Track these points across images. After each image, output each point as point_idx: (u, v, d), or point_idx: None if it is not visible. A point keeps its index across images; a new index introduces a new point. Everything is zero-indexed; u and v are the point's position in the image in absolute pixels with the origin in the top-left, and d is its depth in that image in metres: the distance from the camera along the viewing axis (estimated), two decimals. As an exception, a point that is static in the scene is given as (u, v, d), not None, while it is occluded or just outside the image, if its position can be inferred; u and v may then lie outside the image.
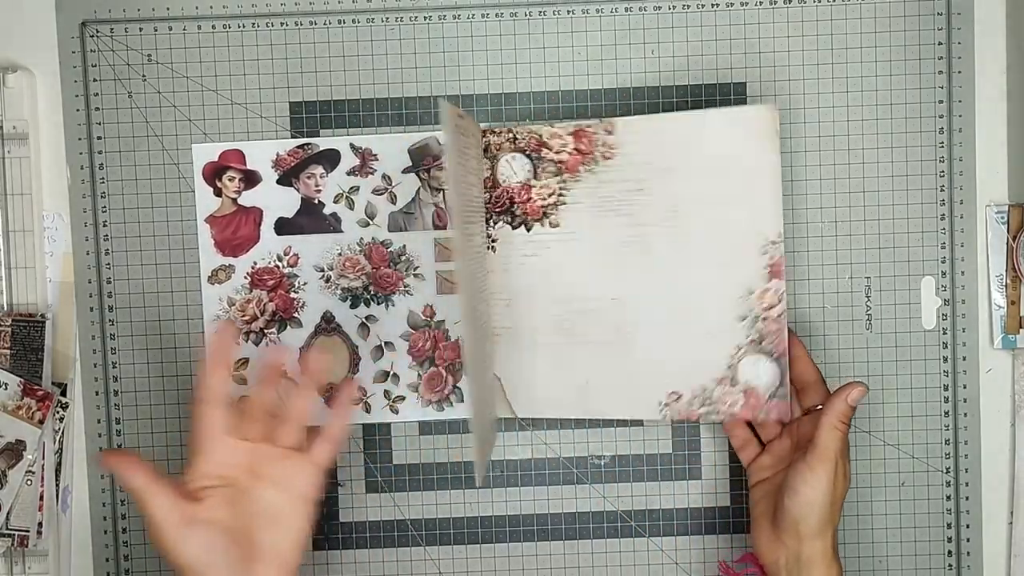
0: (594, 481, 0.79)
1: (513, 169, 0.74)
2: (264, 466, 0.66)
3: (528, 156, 0.74)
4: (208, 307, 0.78)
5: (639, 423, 0.79)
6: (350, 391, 0.72)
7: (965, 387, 0.78)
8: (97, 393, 0.79)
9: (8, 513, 0.76)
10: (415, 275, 0.77)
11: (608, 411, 0.75)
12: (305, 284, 0.78)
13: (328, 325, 0.78)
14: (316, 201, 0.77)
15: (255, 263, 0.78)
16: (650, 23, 0.78)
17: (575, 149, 0.73)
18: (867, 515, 0.79)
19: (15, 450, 0.75)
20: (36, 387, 0.76)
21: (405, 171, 0.77)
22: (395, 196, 0.77)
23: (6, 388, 0.75)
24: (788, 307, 0.78)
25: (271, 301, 0.77)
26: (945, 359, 0.78)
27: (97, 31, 0.78)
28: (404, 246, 0.77)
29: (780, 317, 0.72)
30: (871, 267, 0.78)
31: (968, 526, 0.79)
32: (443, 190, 0.77)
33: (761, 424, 0.75)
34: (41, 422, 0.75)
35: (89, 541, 0.79)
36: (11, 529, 0.76)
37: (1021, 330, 0.78)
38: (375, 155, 0.77)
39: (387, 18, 0.78)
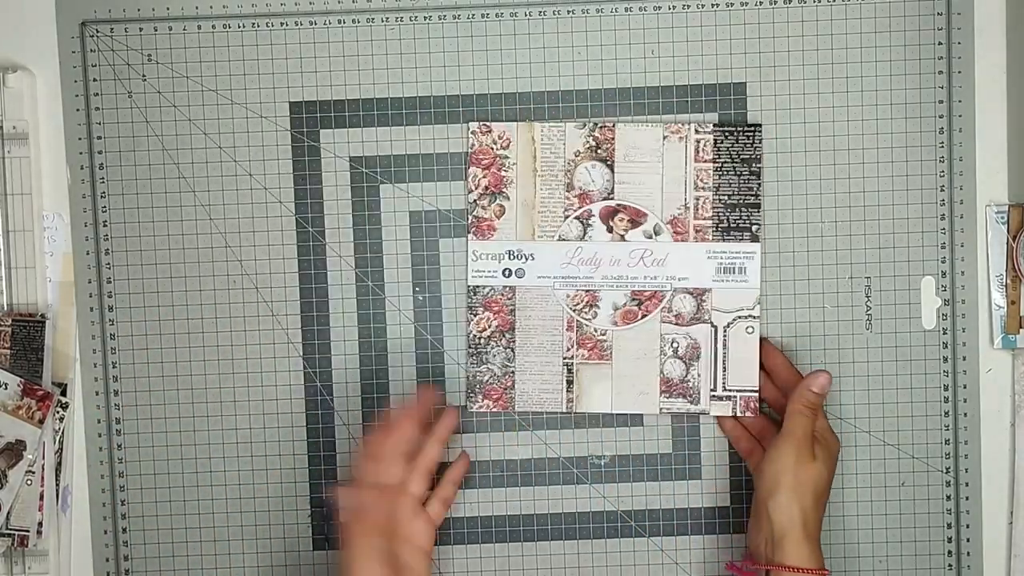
0: (594, 481, 0.79)
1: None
2: (399, 524, 0.72)
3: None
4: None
5: (639, 423, 0.79)
6: (451, 422, 0.76)
7: (965, 387, 0.78)
8: (97, 393, 0.79)
9: (8, 513, 0.76)
10: None
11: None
12: None
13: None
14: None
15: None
16: (650, 23, 0.78)
17: None
18: (867, 515, 0.79)
19: (15, 450, 0.75)
20: (36, 387, 0.76)
21: None
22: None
23: (6, 388, 0.75)
24: (789, 307, 0.78)
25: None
26: (945, 359, 0.78)
27: (97, 31, 0.78)
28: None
29: None
30: (871, 267, 0.78)
31: (968, 526, 0.79)
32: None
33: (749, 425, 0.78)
34: (41, 422, 0.75)
35: (89, 541, 0.79)
36: (11, 529, 0.76)
37: (1021, 330, 0.78)
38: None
39: (387, 18, 0.78)
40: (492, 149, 0.77)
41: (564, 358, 0.77)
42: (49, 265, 0.78)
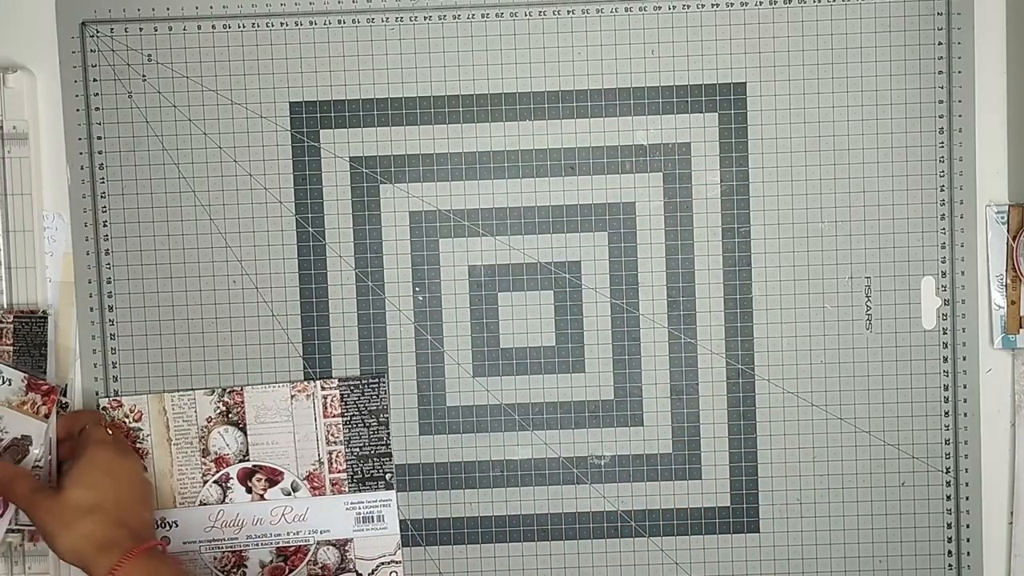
0: (594, 481, 0.79)
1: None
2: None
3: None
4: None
5: (639, 423, 0.79)
6: None
7: (965, 387, 0.78)
8: (97, 393, 0.79)
9: (17, 510, 0.75)
10: None
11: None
12: None
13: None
14: None
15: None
16: (650, 23, 0.78)
17: None
18: (867, 515, 0.79)
19: (20, 446, 0.75)
20: (41, 382, 0.76)
21: None
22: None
23: (10, 384, 0.75)
24: (788, 307, 0.78)
25: None
26: (945, 359, 0.78)
27: (97, 31, 0.78)
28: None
29: None
30: (871, 267, 0.78)
31: (968, 526, 0.79)
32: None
33: None
34: (47, 416, 0.75)
35: (89, 541, 0.79)
36: (20, 525, 0.76)
37: (1021, 330, 0.78)
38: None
39: (387, 18, 0.78)
40: (125, 423, 0.78)
41: None
42: (49, 265, 0.78)
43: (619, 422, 0.79)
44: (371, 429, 0.78)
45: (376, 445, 0.78)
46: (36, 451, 0.75)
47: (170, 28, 0.78)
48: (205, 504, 0.78)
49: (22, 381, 0.75)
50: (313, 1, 0.78)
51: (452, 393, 0.79)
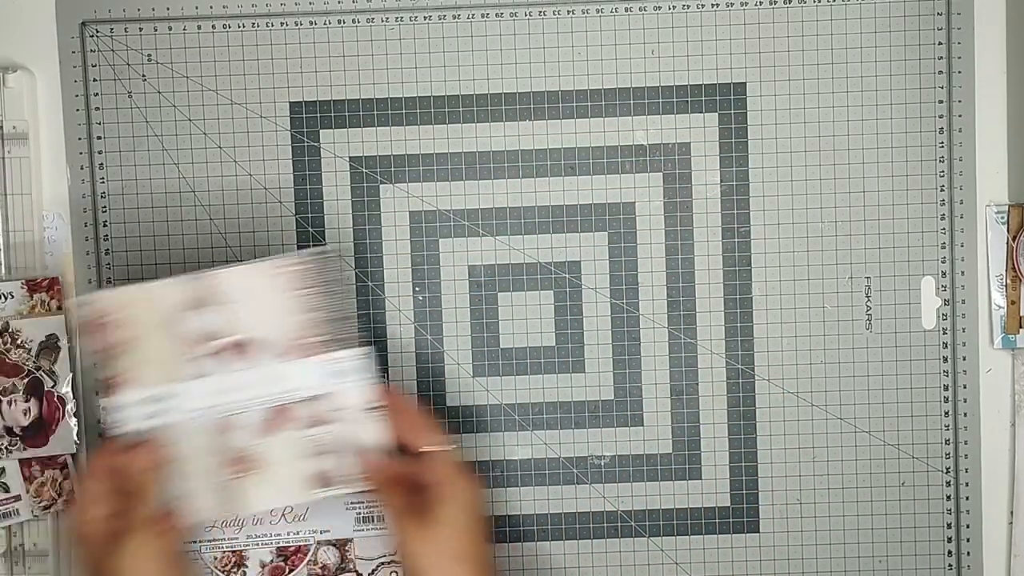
0: (594, 481, 0.79)
1: None
2: None
3: None
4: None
5: (639, 422, 0.79)
6: None
7: (965, 387, 0.78)
8: (97, 393, 0.79)
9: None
10: None
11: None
12: None
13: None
14: None
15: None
16: (650, 23, 0.78)
17: None
18: (867, 515, 0.79)
19: (51, 345, 0.74)
20: (39, 280, 0.74)
21: None
22: None
23: (12, 297, 0.73)
24: (788, 307, 0.78)
25: None
26: (945, 359, 0.78)
27: (97, 31, 0.78)
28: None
29: None
30: (871, 267, 0.78)
31: (968, 526, 0.79)
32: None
33: None
34: (60, 308, 0.74)
35: (89, 541, 0.79)
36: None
37: (1021, 330, 0.78)
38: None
39: (387, 18, 0.78)
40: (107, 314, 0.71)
41: None
42: (49, 265, 0.78)
43: (619, 422, 0.79)
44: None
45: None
46: (64, 342, 0.74)
47: (170, 28, 0.78)
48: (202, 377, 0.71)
49: (21, 287, 0.74)
50: (313, 1, 0.78)
51: (452, 393, 0.79)
